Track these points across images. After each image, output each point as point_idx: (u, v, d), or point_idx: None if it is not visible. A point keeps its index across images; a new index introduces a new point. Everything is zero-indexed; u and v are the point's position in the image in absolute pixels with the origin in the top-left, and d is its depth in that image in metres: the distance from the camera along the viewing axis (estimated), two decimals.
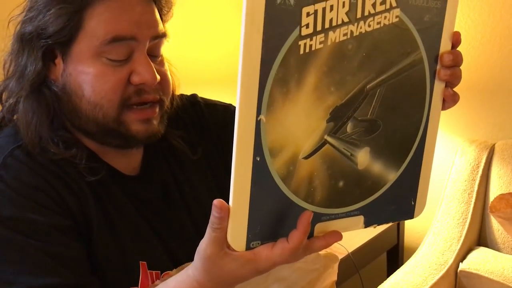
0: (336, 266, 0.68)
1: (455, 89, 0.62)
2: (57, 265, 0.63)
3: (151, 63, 0.70)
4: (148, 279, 0.70)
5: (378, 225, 0.58)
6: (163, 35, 0.73)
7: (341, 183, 0.54)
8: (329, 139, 0.52)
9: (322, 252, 0.67)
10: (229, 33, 2.01)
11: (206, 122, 0.87)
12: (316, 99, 0.51)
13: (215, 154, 0.84)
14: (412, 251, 1.59)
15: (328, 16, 0.51)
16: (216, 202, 0.51)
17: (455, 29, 0.60)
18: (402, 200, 0.59)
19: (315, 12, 0.50)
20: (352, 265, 1.47)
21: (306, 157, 0.51)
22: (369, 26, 0.54)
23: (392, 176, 0.57)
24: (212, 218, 0.51)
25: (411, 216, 0.60)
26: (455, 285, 1.47)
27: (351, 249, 1.47)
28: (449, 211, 1.56)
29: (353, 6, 0.52)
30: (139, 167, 0.78)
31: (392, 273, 1.47)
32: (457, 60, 0.59)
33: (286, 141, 0.50)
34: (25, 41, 0.69)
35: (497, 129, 1.68)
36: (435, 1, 0.57)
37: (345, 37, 0.52)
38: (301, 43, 0.50)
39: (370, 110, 0.54)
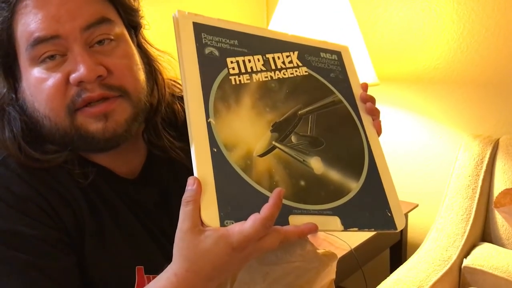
0: (334, 264, 0.67)
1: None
2: (45, 279, 0.62)
3: (87, 56, 0.63)
4: (145, 283, 0.69)
5: (360, 229, 0.62)
6: (102, 20, 0.65)
7: (302, 183, 0.62)
8: (277, 144, 0.63)
9: (321, 250, 0.66)
10: None
11: None
12: (256, 114, 0.64)
13: None
14: (415, 247, 1.58)
15: (248, 64, 0.68)
16: (190, 177, 0.56)
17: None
18: (376, 210, 0.64)
19: (237, 61, 0.67)
20: (355, 261, 1.46)
21: (261, 156, 0.61)
22: (284, 74, 0.70)
23: (354, 185, 0.64)
24: (185, 193, 0.54)
25: (393, 227, 0.64)
26: (459, 281, 1.46)
27: (353, 245, 1.46)
28: (453, 207, 1.55)
29: (266, 62, 0.70)
30: (139, 171, 0.76)
31: (395, 269, 1.46)
32: (371, 98, 0.74)
33: (236, 140, 0.61)
34: None
35: (501, 124, 1.67)
36: (334, 65, 0.75)
37: (266, 79, 0.68)
38: (231, 77, 0.65)
39: (308, 129, 0.67)
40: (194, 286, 0.56)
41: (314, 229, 0.57)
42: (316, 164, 0.64)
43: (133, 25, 0.73)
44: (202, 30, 0.67)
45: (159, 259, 0.72)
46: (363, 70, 1.55)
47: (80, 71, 0.62)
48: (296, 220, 0.58)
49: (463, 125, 1.74)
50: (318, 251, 0.65)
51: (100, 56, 0.65)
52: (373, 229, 0.63)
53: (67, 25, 0.63)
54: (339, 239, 1.49)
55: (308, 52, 0.74)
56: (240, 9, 2.03)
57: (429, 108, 1.80)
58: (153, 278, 0.70)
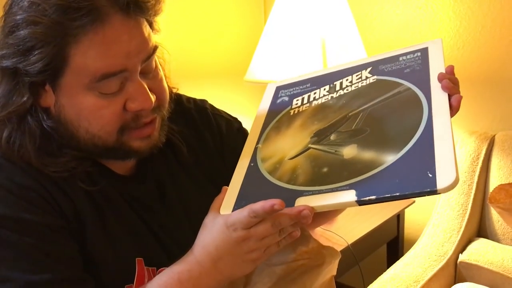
0: (337, 262, 0.68)
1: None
2: (51, 261, 0.63)
3: (146, 88, 0.66)
4: (144, 275, 0.71)
5: (378, 197, 0.54)
6: (155, 50, 0.69)
7: (325, 169, 0.60)
8: (312, 146, 0.63)
9: (325, 247, 0.67)
10: (228, 28, 1.99)
11: (207, 127, 0.86)
12: (302, 128, 0.67)
13: (208, 158, 0.84)
14: (412, 242, 1.59)
15: (312, 96, 0.71)
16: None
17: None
18: (412, 174, 0.54)
19: (303, 98, 0.72)
20: (352, 257, 1.48)
21: (291, 158, 0.63)
22: (347, 90, 0.69)
23: (389, 158, 0.57)
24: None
25: (432, 186, 0.52)
26: (455, 276, 1.48)
27: (351, 241, 1.47)
28: (449, 203, 1.57)
29: (332, 87, 0.70)
30: (134, 166, 0.78)
31: (392, 264, 1.47)
32: (449, 77, 0.68)
33: (274, 154, 0.65)
34: (6, 74, 0.65)
35: (497, 120, 1.68)
36: (414, 62, 0.69)
37: (326, 100, 0.69)
38: (291, 110, 0.71)
39: (354, 124, 0.63)
40: (202, 261, 0.64)
41: (306, 210, 0.56)
42: (348, 151, 0.59)
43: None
44: (281, 88, 0.75)
45: (158, 252, 0.73)
46: None
47: (141, 103, 0.66)
48: (304, 201, 0.57)
49: (459, 121, 1.75)
50: (322, 248, 0.66)
51: (149, 82, 0.68)
52: (397, 193, 0.53)
53: (134, 60, 0.65)
54: (336, 235, 1.50)
55: (383, 63, 0.71)
56: (238, 9, 2.03)
57: None
58: (152, 270, 0.72)
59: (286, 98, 0.74)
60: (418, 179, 0.53)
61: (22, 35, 0.61)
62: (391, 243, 1.77)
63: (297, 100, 0.73)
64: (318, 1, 1.53)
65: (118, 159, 0.74)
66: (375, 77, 0.69)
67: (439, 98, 0.62)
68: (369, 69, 0.71)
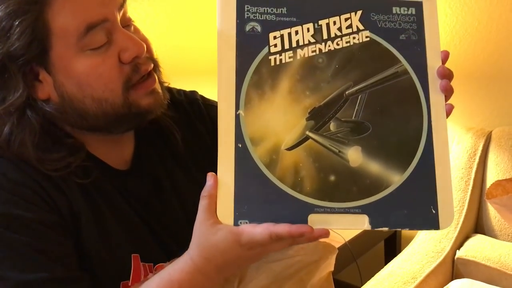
0: (334, 257, 0.68)
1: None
2: (46, 260, 0.62)
3: (132, 34, 0.67)
4: (140, 271, 0.70)
5: (391, 228, 0.56)
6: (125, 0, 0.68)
7: (332, 177, 0.56)
8: (311, 134, 0.57)
9: (321, 243, 0.66)
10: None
11: (200, 119, 0.86)
12: (292, 100, 0.58)
13: (203, 150, 0.83)
14: (409, 239, 1.59)
15: (294, 38, 0.59)
16: (208, 173, 0.58)
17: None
18: (418, 207, 0.57)
19: (281, 35, 0.59)
20: (349, 254, 1.47)
21: (289, 149, 0.56)
22: (337, 44, 0.60)
23: (396, 178, 0.56)
24: (204, 188, 0.58)
25: (435, 225, 0.56)
26: (452, 273, 1.48)
27: (348, 238, 1.47)
28: None
29: (317, 31, 0.60)
30: (130, 160, 0.77)
31: (390, 261, 1.47)
32: (450, 74, 0.63)
33: (265, 133, 0.57)
34: None
35: (494, 116, 1.68)
36: (409, 23, 0.61)
37: (314, 53, 0.59)
38: (271, 57, 0.58)
39: (354, 112, 0.58)
40: (206, 271, 0.60)
41: (325, 234, 0.55)
42: (353, 155, 0.56)
43: None
44: (246, 2, 0.60)
45: (155, 248, 0.73)
46: None
47: (134, 48, 0.65)
48: (317, 219, 0.54)
49: (456, 118, 1.75)
50: (318, 244, 0.66)
51: (132, 33, 0.68)
52: (407, 228, 0.57)
53: (110, 7, 0.65)
54: (333, 232, 1.49)
55: (375, 10, 0.61)
56: None
57: None
58: (149, 266, 0.71)
59: (258, 27, 0.59)
60: (423, 214, 0.56)
61: None
62: (388, 240, 1.77)
63: (275, 38, 0.59)
64: None
65: (131, 128, 0.73)
66: (367, 32, 0.60)
67: (437, 103, 0.61)
68: (359, 14, 0.61)
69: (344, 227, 0.55)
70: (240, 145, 0.56)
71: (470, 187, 1.54)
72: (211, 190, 0.57)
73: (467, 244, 1.48)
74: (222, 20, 0.59)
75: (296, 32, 0.59)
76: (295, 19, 0.60)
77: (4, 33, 0.62)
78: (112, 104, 0.66)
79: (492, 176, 1.52)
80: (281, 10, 0.60)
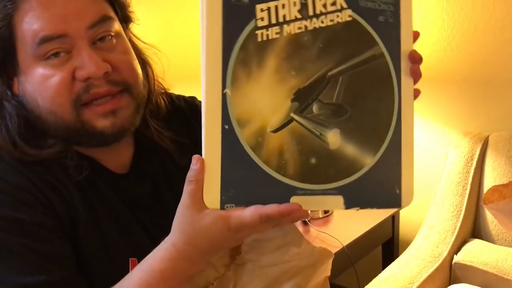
0: (330, 262, 0.68)
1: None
2: (44, 263, 0.62)
3: (94, 54, 0.65)
4: None
5: (361, 208, 0.58)
6: (105, 18, 0.67)
7: (313, 160, 0.56)
8: (295, 117, 0.57)
9: (317, 247, 0.67)
10: None
11: (200, 125, 0.86)
12: (278, 80, 0.57)
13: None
14: (407, 243, 1.59)
15: (280, 12, 0.58)
16: (194, 156, 0.56)
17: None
18: (386, 187, 0.60)
19: (268, 8, 0.57)
20: (347, 259, 1.47)
21: (274, 131, 0.56)
22: (322, 22, 0.60)
23: (369, 160, 0.58)
24: (189, 172, 0.56)
25: (397, 204, 0.60)
26: (450, 277, 1.48)
27: (345, 243, 1.47)
28: (444, 204, 1.57)
29: (304, 6, 0.59)
30: (129, 164, 0.77)
31: (387, 266, 1.47)
32: (420, 59, 0.64)
33: (252, 114, 0.56)
34: None
35: (491, 121, 1.68)
36: (387, 5, 0.62)
37: (300, 30, 0.59)
38: (258, 32, 0.57)
39: (335, 95, 0.58)
40: (190, 257, 0.59)
41: (305, 215, 0.56)
42: (333, 138, 0.57)
43: (125, 20, 0.75)
44: None
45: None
46: None
47: (88, 68, 0.64)
48: (298, 201, 0.55)
49: (453, 122, 1.76)
50: (314, 248, 0.66)
51: (103, 52, 0.66)
52: (375, 207, 0.59)
53: (73, 24, 0.64)
54: (331, 236, 1.50)
55: None
56: None
57: (420, 106, 1.82)
58: None
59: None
60: (389, 194, 0.60)
61: None
62: (386, 244, 1.77)
63: (262, 11, 0.58)
64: None
65: (95, 146, 0.71)
66: (350, 12, 0.60)
67: (406, 87, 0.63)
68: None
69: (322, 208, 0.58)
70: (227, 127, 0.55)
71: (467, 192, 1.54)
72: (198, 175, 0.56)
73: (465, 248, 1.48)
74: None
75: (283, 6, 0.58)
76: None
77: None
78: (62, 118, 0.66)
79: (489, 181, 1.52)
80: None
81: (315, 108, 0.58)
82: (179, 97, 0.88)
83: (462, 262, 1.44)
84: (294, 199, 0.55)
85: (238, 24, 0.56)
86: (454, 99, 1.74)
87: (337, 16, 0.60)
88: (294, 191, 0.55)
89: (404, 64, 0.62)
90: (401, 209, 0.60)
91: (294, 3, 0.59)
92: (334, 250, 1.43)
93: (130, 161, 0.77)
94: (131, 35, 0.78)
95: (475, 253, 1.44)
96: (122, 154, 0.76)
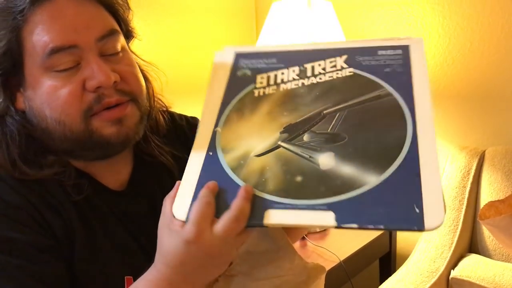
0: (323, 277, 0.68)
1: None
2: (35, 283, 0.62)
3: (103, 64, 0.66)
4: None
5: (360, 227, 0.51)
6: (112, 32, 0.69)
7: (298, 178, 0.54)
8: (282, 144, 0.57)
9: (310, 263, 0.66)
10: (221, 45, 2.01)
11: None
12: (270, 118, 0.60)
13: None
14: (404, 258, 1.58)
15: (279, 77, 0.63)
16: (177, 181, 0.58)
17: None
18: (397, 206, 0.52)
19: (268, 76, 0.64)
20: (344, 273, 1.47)
21: (258, 156, 0.56)
22: (320, 79, 0.62)
23: (372, 179, 0.53)
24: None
25: (418, 225, 0.50)
26: None
27: (342, 257, 1.47)
28: None
29: (303, 71, 0.63)
30: (127, 182, 0.77)
31: (385, 280, 1.46)
32: None
33: (238, 144, 0.58)
34: None
35: (487, 136, 1.69)
36: (394, 60, 0.62)
37: (296, 86, 0.62)
38: (256, 91, 0.62)
39: (330, 127, 0.57)
40: (171, 279, 0.58)
41: (247, 192, 0.53)
42: (325, 160, 0.54)
43: (127, 35, 0.77)
44: (242, 57, 0.65)
45: None
46: None
47: (98, 78, 0.65)
48: (274, 214, 0.52)
49: (449, 137, 1.76)
50: (307, 264, 0.66)
51: (111, 64, 0.68)
52: (382, 226, 0.50)
53: (83, 36, 0.65)
54: (328, 251, 1.49)
55: (360, 54, 0.63)
56: (230, 26, 2.05)
57: None
58: None
59: (249, 72, 0.64)
60: (404, 212, 0.51)
61: None
62: (383, 259, 1.76)
63: (262, 78, 0.63)
64: (309, 18, 1.54)
65: (98, 158, 0.72)
66: (351, 69, 0.61)
67: (424, 112, 0.57)
68: (344, 58, 0.63)
69: (306, 223, 0.52)
70: (211, 153, 0.57)
71: (464, 207, 1.54)
72: (172, 193, 0.57)
73: (462, 263, 1.48)
74: (218, 68, 0.64)
75: (282, 73, 0.63)
76: (282, 65, 0.64)
77: None
78: (71, 129, 0.66)
79: (486, 195, 1.52)
80: (272, 61, 0.65)
81: (306, 137, 0.56)
82: (181, 116, 0.89)
83: (459, 277, 1.43)
84: (270, 212, 0.52)
85: (239, 86, 0.63)
86: (450, 113, 1.75)
87: (337, 73, 0.61)
88: (271, 204, 0.53)
89: (419, 96, 0.58)
90: (424, 231, 0.50)
91: (293, 70, 0.63)
92: (331, 265, 1.42)
93: (128, 179, 0.77)
94: (131, 51, 0.79)
95: (472, 268, 1.44)
96: (120, 171, 0.76)
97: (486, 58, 1.65)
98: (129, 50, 0.74)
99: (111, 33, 0.69)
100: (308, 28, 1.53)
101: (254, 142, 0.57)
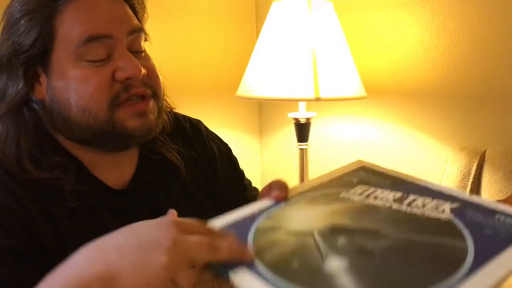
0: None
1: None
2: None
3: (133, 57, 0.69)
4: None
5: None
6: (140, 30, 0.73)
7: (296, 264, 0.49)
8: (315, 234, 0.53)
9: None
10: (221, 46, 2.01)
11: (203, 149, 0.87)
12: (329, 214, 0.58)
13: (207, 179, 0.84)
14: None
15: (376, 193, 0.62)
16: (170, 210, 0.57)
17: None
18: None
19: (368, 188, 0.63)
20: None
21: (287, 232, 0.54)
22: (410, 210, 0.57)
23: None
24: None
25: None
26: None
27: None
28: None
29: (402, 198, 0.60)
30: (129, 181, 0.77)
31: None
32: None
33: (287, 217, 0.58)
34: (3, 63, 0.68)
35: (487, 136, 1.69)
36: (505, 228, 0.53)
37: (382, 204, 0.59)
38: (344, 193, 0.63)
39: (373, 244, 0.51)
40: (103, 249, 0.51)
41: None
42: (334, 264, 0.48)
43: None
44: (364, 169, 0.67)
45: None
46: (350, 84, 1.57)
47: (130, 70, 0.68)
48: (237, 274, 0.48)
49: (450, 137, 1.76)
50: None
51: (139, 61, 0.71)
52: None
53: (117, 27, 0.69)
54: None
55: (474, 208, 0.56)
56: (230, 27, 2.05)
57: (416, 121, 1.82)
58: None
59: (356, 180, 0.64)
60: None
61: (12, 12, 0.67)
62: None
63: (362, 188, 0.62)
64: (309, 19, 1.54)
65: (114, 150, 0.72)
66: (451, 216, 0.55)
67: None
68: (454, 205, 0.57)
69: None
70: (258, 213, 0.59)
71: None
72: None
73: None
74: (346, 166, 0.69)
75: (382, 192, 0.61)
76: (391, 188, 0.62)
77: (15, 27, 0.67)
78: (95, 117, 0.67)
79: (486, 196, 1.52)
80: (386, 181, 0.64)
81: (340, 239, 0.52)
82: (185, 118, 0.90)
83: None
84: (244, 272, 0.48)
85: (338, 185, 0.64)
86: (450, 114, 1.75)
87: (433, 213, 0.56)
88: (251, 266, 0.49)
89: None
90: None
91: (395, 194, 0.60)
92: None
93: (130, 178, 0.77)
94: None
95: None
96: (124, 170, 0.76)
97: (486, 59, 1.65)
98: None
99: (139, 30, 0.73)
100: (308, 28, 1.53)
101: (298, 221, 0.56)
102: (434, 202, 0.58)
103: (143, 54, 0.74)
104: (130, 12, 0.73)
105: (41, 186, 0.68)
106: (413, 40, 1.77)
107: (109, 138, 0.69)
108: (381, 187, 0.62)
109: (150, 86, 0.72)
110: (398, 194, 0.60)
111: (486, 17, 1.62)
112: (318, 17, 1.55)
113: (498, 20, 1.61)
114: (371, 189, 0.61)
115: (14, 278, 0.62)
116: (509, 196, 1.31)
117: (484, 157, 1.57)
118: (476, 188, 1.56)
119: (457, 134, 1.74)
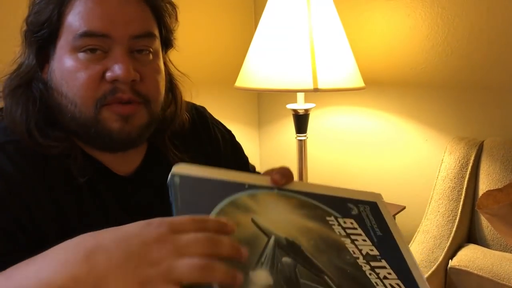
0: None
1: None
2: None
3: (128, 60, 0.68)
4: None
5: None
6: (150, 35, 0.71)
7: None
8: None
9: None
10: (220, 37, 2.00)
11: (207, 136, 0.88)
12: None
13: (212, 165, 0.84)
14: None
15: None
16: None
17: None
18: None
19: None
20: None
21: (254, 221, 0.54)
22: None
23: None
24: None
25: None
26: (445, 282, 1.48)
27: None
28: (439, 209, 1.57)
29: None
30: (136, 170, 0.77)
31: None
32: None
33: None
34: (26, 38, 0.71)
35: (486, 126, 1.69)
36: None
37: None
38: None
39: (307, 283, 0.50)
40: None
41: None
42: (261, 276, 0.47)
43: (166, 43, 0.79)
44: (371, 207, 0.65)
45: None
46: (349, 74, 1.57)
47: (118, 71, 0.67)
48: None
49: (448, 128, 1.76)
50: None
51: (137, 63, 0.69)
52: None
53: (119, 29, 0.67)
54: None
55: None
56: (229, 18, 2.04)
57: (415, 111, 1.82)
58: None
59: (354, 212, 0.62)
60: None
61: None
62: None
63: (353, 224, 0.60)
64: (308, 10, 1.54)
65: (101, 149, 0.72)
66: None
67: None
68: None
69: None
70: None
71: (462, 197, 1.55)
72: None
73: (460, 253, 1.48)
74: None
75: (365, 240, 0.59)
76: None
77: (34, 6, 0.70)
78: (81, 112, 0.68)
79: (484, 185, 1.52)
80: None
81: (286, 258, 0.51)
82: (190, 105, 0.90)
83: (457, 267, 1.44)
84: None
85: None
86: (449, 104, 1.75)
87: None
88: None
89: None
90: None
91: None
92: None
93: (136, 167, 0.77)
94: (167, 59, 0.82)
95: (470, 258, 1.44)
96: (131, 159, 0.77)
97: (485, 48, 1.65)
98: (161, 57, 0.75)
99: (147, 35, 0.70)
100: (307, 19, 1.53)
101: (271, 216, 0.55)
102: (397, 282, 0.56)
103: (150, 57, 0.71)
104: (143, 14, 0.70)
105: (49, 163, 0.68)
106: (411, 31, 1.77)
107: (93, 135, 0.69)
108: (368, 235, 0.59)
109: (143, 94, 0.70)
110: (374, 253, 0.57)
111: (485, 7, 1.62)
112: (317, 8, 1.55)
113: (496, 10, 1.60)
114: (358, 231, 0.59)
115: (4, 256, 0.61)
116: (507, 185, 1.31)
117: (482, 147, 1.57)
118: (474, 178, 1.57)
119: (455, 124, 1.74)
